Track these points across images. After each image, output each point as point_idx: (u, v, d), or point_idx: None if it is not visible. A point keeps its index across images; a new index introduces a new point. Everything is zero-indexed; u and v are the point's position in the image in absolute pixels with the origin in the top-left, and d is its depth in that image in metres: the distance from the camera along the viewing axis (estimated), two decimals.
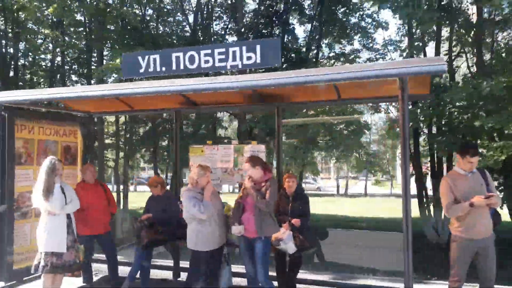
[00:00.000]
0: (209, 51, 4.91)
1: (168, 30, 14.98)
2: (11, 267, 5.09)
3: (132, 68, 5.25)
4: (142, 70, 5.22)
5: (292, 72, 4.15)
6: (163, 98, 5.66)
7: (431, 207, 16.44)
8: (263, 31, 13.30)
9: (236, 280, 5.09)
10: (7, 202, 5.01)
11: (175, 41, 14.39)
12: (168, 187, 5.77)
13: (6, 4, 14.75)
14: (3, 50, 15.10)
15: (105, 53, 15.55)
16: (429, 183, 17.08)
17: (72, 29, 17.93)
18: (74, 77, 18.82)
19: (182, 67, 5.04)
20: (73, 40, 16.60)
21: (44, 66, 20.07)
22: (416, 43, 11.97)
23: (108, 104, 6.28)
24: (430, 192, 17.19)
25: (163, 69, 5.12)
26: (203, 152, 5.88)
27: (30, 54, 17.66)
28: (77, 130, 6.31)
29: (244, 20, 13.32)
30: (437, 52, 11.87)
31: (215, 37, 15.50)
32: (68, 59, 18.04)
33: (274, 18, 12.68)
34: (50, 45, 19.27)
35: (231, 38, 15.22)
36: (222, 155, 5.78)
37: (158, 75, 5.23)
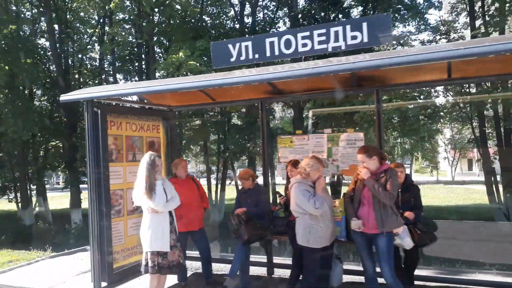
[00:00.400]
0: (307, 33, 4.58)
1: (215, 21, 14.69)
2: (112, 267, 5.02)
3: (223, 57, 5.01)
4: (233, 59, 4.97)
5: (403, 51, 3.74)
6: (248, 88, 5.38)
7: (501, 193, 15.52)
8: (316, 16, 12.77)
9: (345, 277, 4.77)
10: (105, 202, 4.91)
11: (226, 32, 14.15)
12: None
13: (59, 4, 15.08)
14: (58, 50, 15.45)
15: (157, 49, 15.65)
16: (497, 167, 16.11)
17: (121, 26, 18.21)
18: (118, 76, 19.05)
19: (277, 53, 4.74)
20: (123, 36, 16.76)
21: (90, 66, 20.55)
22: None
23: (189, 97, 6.09)
24: (498, 178, 16.26)
25: (256, 56, 4.85)
26: (292, 143, 5.57)
27: (77, 54, 17.98)
28: (159, 124, 6.17)
29: (299, 6, 12.83)
30: None
31: (262, 25, 15.06)
32: (117, 55, 18.31)
33: (327, 3, 12.10)
34: (96, 45, 19.69)
35: (282, 27, 14.86)
36: (314, 145, 5.43)
37: (251, 63, 4.97)
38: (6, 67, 12.82)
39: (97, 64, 20.05)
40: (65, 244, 12.91)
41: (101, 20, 18.39)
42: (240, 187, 5.32)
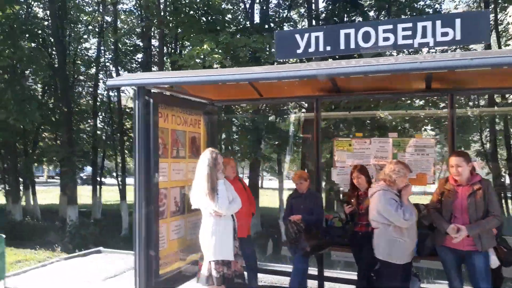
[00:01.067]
0: (390, 27, 4.18)
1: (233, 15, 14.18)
2: (158, 274, 4.50)
3: (288, 48, 4.57)
4: (300, 51, 4.53)
5: (494, 51, 3.40)
6: (303, 84, 4.96)
7: None
8: (339, 16, 12.41)
9: None
10: (153, 201, 4.39)
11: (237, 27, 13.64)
12: None
13: None
14: (60, 38, 14.64)
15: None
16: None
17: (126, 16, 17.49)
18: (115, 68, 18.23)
19: (353, 45, 4.32)
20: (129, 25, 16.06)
21: (87, 57, 19.71)
22: None
23: (233, 90, 5.64)
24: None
25: (328, 48, 4.42)
26: (351, 147, 5.16)
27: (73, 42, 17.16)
28: (200, 119, 5.67)
29: (320, 6, 12.46)
30: None
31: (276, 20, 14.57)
32: (122, 45, 17.57)
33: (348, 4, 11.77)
34: (91, 36, 18.85)
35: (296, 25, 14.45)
36: (377, 150, 5.04)
37: (321, 56, 4.54)
38: (7, 51, 12.03)
39: (93, 55, 19.26)
40: (59, 243, 12.14)
41: (100, 8, 17.71)
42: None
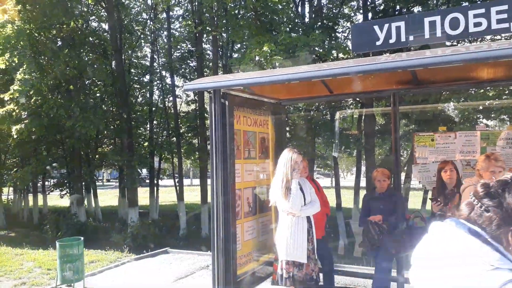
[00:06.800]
0: (481, 11, 3.84)
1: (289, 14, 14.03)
2: (236, 275, 4.45)
3: (366, 40, 4.36)
4: (379, 42, 4.31)
5: None
6: (379, 77, 4.70)
7: None
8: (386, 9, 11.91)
9: None
10: (231, 202, 4.34)
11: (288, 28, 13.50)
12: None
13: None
14: (118, 42, 15.20)
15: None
16: None
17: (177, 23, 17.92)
18: (170, 74, 18.68)
19: (439, 33, 4.03)
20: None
21: (140, 64, 20.39)
22: None
23: (301, 88, 5.48)
24: None
25: (411, 38, 4.15)
26: (434, 142, 4.83)
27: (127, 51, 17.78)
28: (268, 119, 5.57)
29: None
30: None
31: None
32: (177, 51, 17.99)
33: None
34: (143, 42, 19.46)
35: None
36: (463, 145, 4.68)
37: (403, 47, 4.29)
38: (71, 63, 12.69)
39: (148, 63, 19.92)
40: (122, 243, 12.58)
41: (152, 15, 18.26)
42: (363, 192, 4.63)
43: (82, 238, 6.16)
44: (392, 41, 4.22)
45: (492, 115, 9.77)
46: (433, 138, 4.82)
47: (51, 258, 8.04)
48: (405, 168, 11.45)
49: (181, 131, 16.55)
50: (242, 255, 4.88)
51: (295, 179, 3.94)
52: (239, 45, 15.75)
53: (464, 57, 3.11)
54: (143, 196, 20.46)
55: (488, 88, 8.82)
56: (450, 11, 4.01)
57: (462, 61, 3.10)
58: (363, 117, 12.31)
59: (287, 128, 14.14)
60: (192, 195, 23.80)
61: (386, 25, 4.24)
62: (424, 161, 4.83)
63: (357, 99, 12.54)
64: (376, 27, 4.29)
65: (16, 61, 11.51)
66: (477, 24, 3.86)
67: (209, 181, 5.75)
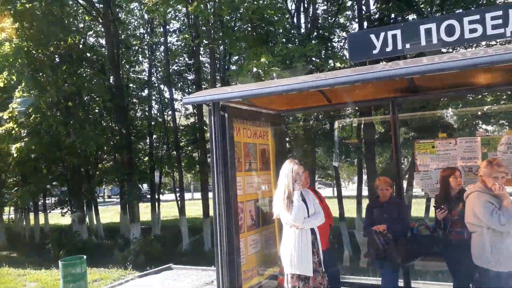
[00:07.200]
0: (476, 17, 3.87)
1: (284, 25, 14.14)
2: None
3: (363, 49, 4.37)
4: (376, 51, 4.32)
5: None
6: (377, 86, 4.71)
7: None
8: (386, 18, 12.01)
9: None
10: (233, 217, 4.31)
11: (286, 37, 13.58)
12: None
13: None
14: (116, 57, 15.27)
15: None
16: None
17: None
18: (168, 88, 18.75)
19: (435, 41, 4.05)
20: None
21: (137, 79, 20.49)
22: None
23: (299, 99, 5.49)
24: None
25: (407, 46, 4.17)
26: (434, 149, 4.82)
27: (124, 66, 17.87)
28: (267, 130, 5.58)
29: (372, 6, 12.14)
30: None
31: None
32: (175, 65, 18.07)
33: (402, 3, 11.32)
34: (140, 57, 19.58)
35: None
36: (464, 151, 4.67)
37: (400, 55, 4.31)
38: (69, 80, 12.75)
39: (145, 78, 20.01)
40: (125, 260, 12.47)
41: (149, 30, 18.40)
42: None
43: (85, 256, 6.10)
44: (388, 49, 4.24)
45: (491, 120, 9.79)
46: (433, 145, 4.81)
47: (54, 277, 7.96)
48: (407, 176, 11.42)
49: (181, 144, 16.54)
50: (247, 270, 4.83)
51: (297, 191, 3.91)
52: (236, 57, 15.89)
53: (461, 64, 3.13)
54: (144, 211, 20.34)
55: (485, 93, 8.87)
56: (445, 18, 4.03)
57: (459, 68, 3.12)
58: (362, 125, 12.33)
59: (287, 139, 14.20)
60: (193, 209, 23.68)
61: (382, 34, 4.26)
62: (425, 168, 4.81)
63: (356, 108, 12.60)
64: (372, 36, 4.31)
65: (15, 79, 11.56)
66: (472, 31, 3.88)
67: (210, 194, 5.68)
